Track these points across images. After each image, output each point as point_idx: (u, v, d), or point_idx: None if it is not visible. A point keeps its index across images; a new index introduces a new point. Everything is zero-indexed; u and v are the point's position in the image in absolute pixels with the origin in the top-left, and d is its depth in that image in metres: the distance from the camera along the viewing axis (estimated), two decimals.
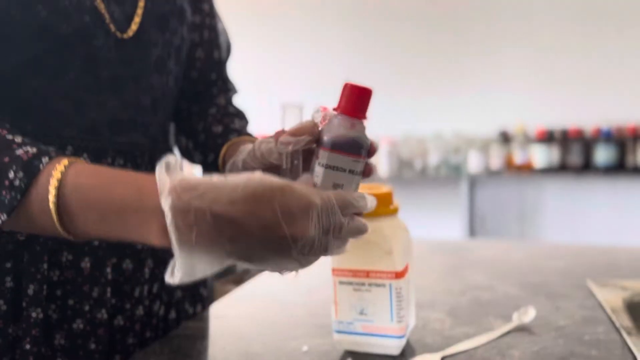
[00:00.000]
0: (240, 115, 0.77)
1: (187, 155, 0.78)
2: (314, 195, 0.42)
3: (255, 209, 0.39)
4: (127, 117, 0.64)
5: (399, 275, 0.59)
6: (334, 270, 0.61)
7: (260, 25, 3.21)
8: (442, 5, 2.99)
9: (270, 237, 0.40)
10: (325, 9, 3.19)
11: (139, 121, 0.66)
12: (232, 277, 3.21)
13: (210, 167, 0.72)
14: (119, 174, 0.45)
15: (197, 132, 0.75)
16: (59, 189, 0.44)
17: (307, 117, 0.50)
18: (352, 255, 0.60)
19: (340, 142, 0.46)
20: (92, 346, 0.62)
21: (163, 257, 0.70)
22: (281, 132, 0.49)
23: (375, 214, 0.60)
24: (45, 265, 0.59)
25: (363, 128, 0.47)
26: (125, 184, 0.43)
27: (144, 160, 0.68)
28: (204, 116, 0.76)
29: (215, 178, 0.41)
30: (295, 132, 0.48)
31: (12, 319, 0.58)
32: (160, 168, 0.41)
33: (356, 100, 0.47)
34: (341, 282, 0.61)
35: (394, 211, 0.61)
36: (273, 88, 3.14)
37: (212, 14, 0.78)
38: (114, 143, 0.64)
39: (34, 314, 0.58)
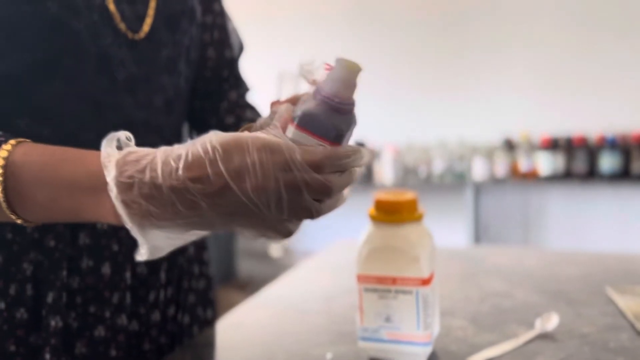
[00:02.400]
0: (252, 108, 0.76)
1: None
2: (267, 148, 0.38)
3: (198, 175, 0.37)
4: (141, 119, 0.64)
5: (426, 282, 0.59)
6: (359, 277, 0.61)
7: (261, 30, 3.22)
8: (446, 13, 3.01)
9: (220, 201, 0.38)
10: (328, 16, 3.20)
11: (153, 123, 0.66)
12: (236, 284, 3.21)
13: None
14: (70, 152, 0.43)
15: (210, 127, 0.74)
16: (6, 167, 0.42)
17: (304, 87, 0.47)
18: (378, 262, 0.60)
19: (308, 121, 0.41)
20: (113, 353, 0.61)
21: (175, 261, 0.70)
22: (277, 102, 0.47)
23: (401, 220, 0.60)
24: (64, 272, 0.58)
25: (347, 112, 0.41)
26: (75, 161, 0.42)
27: None
28: (216, 111, 0.76)
29: (163, 149, 0.40)
30: (292, 101, 0.46)
31: (33, 328, 0.57)
32: (106, 142, 0.40)
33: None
34: (367, 289, 0.61)
35: (419, 217, 0.61)
36: (273, 94, 3.14)
37: (222, 14, 0.77)
38: None
39: (53, 323, 0.57)
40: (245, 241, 3.36)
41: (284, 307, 0.83)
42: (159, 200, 0.38)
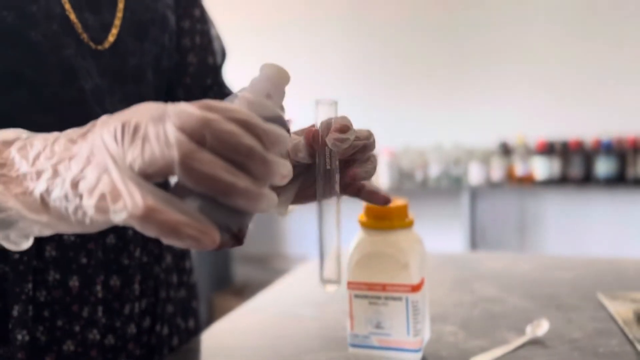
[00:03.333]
0: None
1: None
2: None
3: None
4: None
5: (416, 288, 0.59)
6: (349, 283, 0.62)
7: (258, 38, 3.22)
8: (443, 19, 3.02)
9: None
10: (324, 20, 3.21)
11: None
12: (231, 290, 3.20)
13: None
14: None
15: None
16: None
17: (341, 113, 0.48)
18: (368, 268, 0.60)
19: None
20: None
21: (151, 271, 0.69)
22: (312, 128, 0.47)
23: (391, 227, 0.60)
24: (30, 285, 0.57)
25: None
26: None
27: None
28: None
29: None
30: (342, 129, 0.46)
31: (0, 341, 0.57)
32: None
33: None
34: (357, 296, 0.61)
35: (410, 224, 0.62)
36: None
37: (203, 20, 0.76)
38: None
39: (19, 337, 0.56)
40: (241, 247, 3.36)
41: (277, 312, 0.84)
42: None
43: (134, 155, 0.32)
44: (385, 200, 0.54)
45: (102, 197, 0.33)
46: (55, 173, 0.35)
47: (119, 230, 0.64)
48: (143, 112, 0.33)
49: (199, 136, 0.31)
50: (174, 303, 0.73)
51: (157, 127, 0.32)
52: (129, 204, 0.31)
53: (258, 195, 0.33)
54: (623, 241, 2.76)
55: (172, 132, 0.31)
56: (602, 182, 2.63)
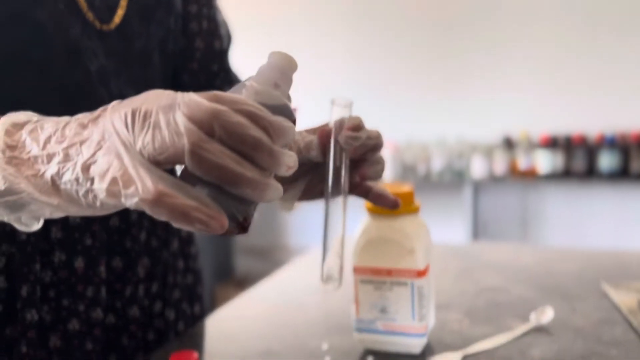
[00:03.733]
0: None
1: None
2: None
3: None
4: None
5: (421, 274, 0.59)
6: (355, 268, 0.62)
7: (261, 28, 3.22)
8: (446, 11, 3.01)
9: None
10: (327, 12, 3.20)
11: None
12: (233, 281, 3.21)
13: None
14: None
15: None
16: None
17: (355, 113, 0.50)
18: (374, 253, 0.60)
19: None
20: (89, 346, 0.61)
21: (159, 256, 0.69)
22: (326, 128, 0.48)
23: (397, 212, 0.60)
24: (37, 266, 0.58)
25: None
26: None
27: None
28: None
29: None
30: (355, 127, 0.47)
31: (8, 321, 0.57)
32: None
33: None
34: (362, 281, 0.61)
35: (416, 210, 0.62)
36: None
37: (210, 5, 0.75)
38: None
39: (28, 316, 0.57)
40: (243, 238, 3.37)
41: (281, 300, 0.84)
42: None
43: (145, 142, 0.33)
44: (394, 204, 0.56)
45: (114, 181, 0.33)
46: (67, 157, 0.36)
47: (122, 213, 0.65)
48: (152, 100, 0.34)
49: (208, 126, 0.32)
50: (181, 288, 0.74)
51: (167, 115, 0.33)
52: (140, 189, 0.32)
53: (264, 185, 0.33)
54: (626, 236, 2.75)
55: (182, 121, 0.32)
56: (605, 177, 2.62)
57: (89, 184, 0.35)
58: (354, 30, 3.16)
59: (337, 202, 0.50)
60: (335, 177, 0.49)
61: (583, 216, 2.86)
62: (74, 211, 0.37)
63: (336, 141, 0.49)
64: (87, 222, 0.61)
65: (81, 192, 0.35)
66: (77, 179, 0.35)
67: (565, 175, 2.70)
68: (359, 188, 0.55)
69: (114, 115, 0.35)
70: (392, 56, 3.10)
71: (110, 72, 0.61)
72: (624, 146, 2.62)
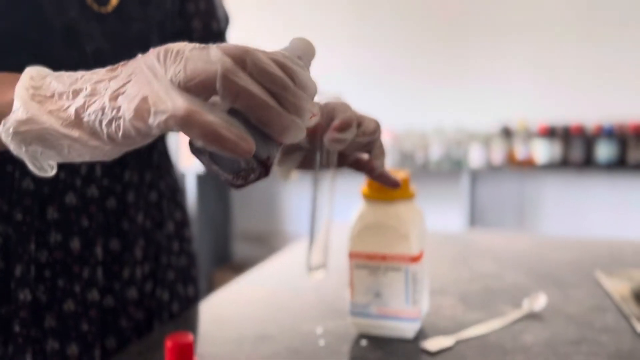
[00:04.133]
0: None
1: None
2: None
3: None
4: None
5: (415, 259, 0.60)
6: (351, 254, 0.62)
7: (261, 13, 3.20)
8: (446, 1, 2.99)
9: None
10: (328, 2, 3.18)
11: None
12: (231, 267, 3.22)
13: None
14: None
15: None
16: None
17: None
18: (369, 239, 0.61)
19: None
20: (85, 327, 0.61)
21: (153, 237, 0.70)
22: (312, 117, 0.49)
23: (392, 198, 0.61)
24: (32, 246, 0.58)
25: None
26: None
27: None
28: None
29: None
30: (341, 127, 0.47)
31: (2, 300, 0.58)
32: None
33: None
34: (357, 266, 0.62)
35: (411, 196, 0.62)
36: None
37: None
38: None
39: (21, 296, 0.57)
40: (241, 224, 3.38)
41: (276, 284, 0.85)
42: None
43: (176, 71, 0.34)
44: (395, 183, 0.57)
45: (144, 100, 0.33)
46: (94, 91, 0.36)
47: (119, 195, 0.65)
48: (184, 44, 0.35)
49: (240, 60, 0.33)
50: (175, 270, 0.74)
51: (200, 51, 0.34)
52: (170, 106, 0.32)
53: (290, 120, 0.34)
54: (621, 226, 2.76)
55: (215, 52, 0.33)
56: (602, 167, 2.63)
57: (114, 112, 0.35)
58: (354, 18, 3.14)
59: (325, 194, 0.50)
60: (323, 169, 0.49)
61: (580, 206, 2.87)
62: (92, 145, 0.37)
63: (322, 141, 0.49)
64: (84, 203, 0.61)
65: (105, 122, 0.35)
66: (102, 109, 0.35)
67: (562, 165, 2.70)
68: (363, 167, 0.56)
69: (146, 56, 0.36)
70: (392, 45, 3.09)
71: (108, 55, 0.61)
72: (622, 137, 2.62)
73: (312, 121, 0.36)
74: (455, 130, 2.92)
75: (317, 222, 0.51)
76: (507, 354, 0.57)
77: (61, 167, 0.60)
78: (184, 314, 0.73)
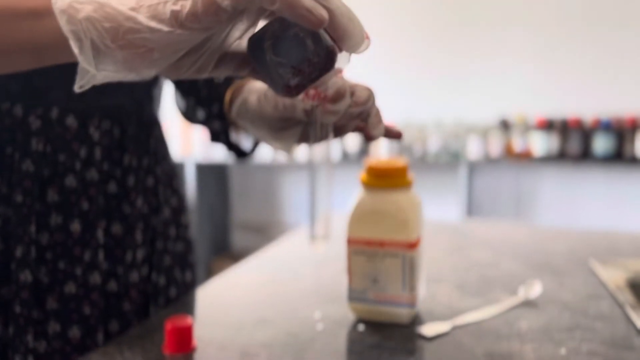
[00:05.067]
0: None
1: (190, 114, 0.75)
2: None
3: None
4: None
5: (413, 246, 0.60)
6: (349, 240, 0.63)
7: None
8: None
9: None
10: None
11: (124, 82, 0.65)
12: (230, 256, 3.24)
13: (216, 118, 0.69)
14: None
15: (197, 89, 0.72)
16: None
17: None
18: (367, 225, 0.62)
19: None
20: (87, 311, 0.62)
21: (149, 222, 0.70)
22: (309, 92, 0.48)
23: (390, 186, 0.61)
24: (33, 228, 0.59)
25: None
26: None
27: (131, 123, 0.68)
28: None
29: None
30: (335, 98, 0.47)
31: (2, 281, 0.58)
32: None
33: None
34: (355, 252, 0.63)
35: (409, 184, 0.63)
36: None
37: None
38: (99, 105, 0.64)
39: (22, 277, 0.58)
40: (240, 214, 3.39)
41: (274, 271, 0.85)
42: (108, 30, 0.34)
43: None
44: (398, 134, 0.56)
45: None
46: None
47: (119, 179, 0.65)
48: None
49: None
50: (172, 255, 0.75)
51: None
52: None
53: (360, 29, 0.36)
54: (617, 218, 2.78)
55: None
56: (599, 160, 2.63)
57: None
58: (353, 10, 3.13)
59: (324, 168, 0.50)
60: (320, 141, 0.49)
61: (576, 199, 2.88)
62: (150, 31, 0.34)
63: (316, 113, 0.49)
64: (84, 186, 0.62)
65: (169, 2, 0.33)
66: None
67: (560, 157, 2.71)
68: (362, 130, 0.55)
69: None
70: (390, 37, 3.09)
71: None
72: (619, 130, 2.62)
73: (366, 44, 0.37)
74: (454, 122, 2.92)
75: (318, 195, 0.51)
76: (502, 339, 0.58)
77: (61, 149, 0.61)
78: (182, 299, 0.73)
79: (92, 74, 0.36)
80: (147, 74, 0.37)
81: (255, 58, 0.37)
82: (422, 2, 3.03)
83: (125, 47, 0.34)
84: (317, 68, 0.36)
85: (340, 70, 0.39)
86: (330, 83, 0.48)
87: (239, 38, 0.38)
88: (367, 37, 0.37)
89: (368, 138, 0.54)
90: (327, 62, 0.36)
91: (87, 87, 0.37)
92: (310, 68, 0.36)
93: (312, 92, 0.48)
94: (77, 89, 0.37)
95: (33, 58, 0.38)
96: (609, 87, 2.75)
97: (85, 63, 0.35)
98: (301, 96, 0.49)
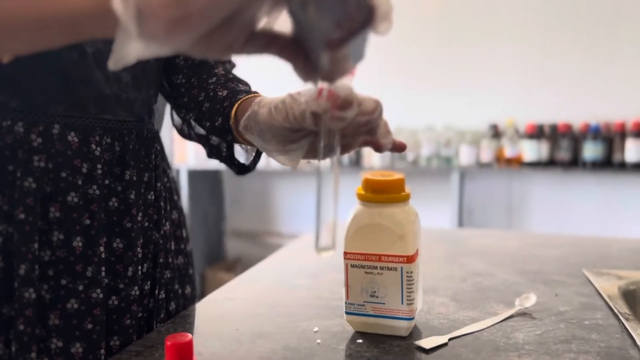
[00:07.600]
0: (242, 81, 0.73)
1: (186, 130, 0.75)
2: None
3: None
4: (112, 93, 0.64)
5: (410, 259, 0.61)
6: (346, 253, 0.63)
7: None
8: (436, 2, 3.01)
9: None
10: None
11: (123, 97, 0.66)
12: (224, 265, 3.22)
13: (218, 131, 0.68)
14: None
15: (199, 103, 0.71)
16: None
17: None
18: (364, 239, 0.62)
19: None
20: (89, 326, 0.62)
21: (150, 237, 0.70)
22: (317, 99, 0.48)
23: (388, 200, 0.62)
24: (35, 245, 0.59)
25: None
26: None
27: (131, 138, 0.68)
28: (204, 87, 0.71)
29: None
30: (344, 105, 0.47)
31: (5, 299, 0.58)
32: None
33: None
34: (353, 266, 0.63)
35: (406, 197, 0.63)
36: (265, 78, 3.13)
37: None
38: (100, 120, 0.64)
39: (26, 294, 0.58)
40: (233, 223, 3.38)
41: (272, 283, 0.85)
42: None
43: None
44: (402, 146, 0.57)
45: None
46: None
47: (120, 195, 0.65)
48: None
49: None
50: (172, 269, 0.75)
51: None
52: None
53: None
54: (607, 224, 2.80)
55: None
56: (589, 166, 2.66)
57: None
58: None
59: (329, 174, 0.51)
60: (327, 147, 0.50)
61: (567, 204, 2.90)
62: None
63: (324, 119, 0.49)
64: (86, 203, 0.62)
65: None
66: None
67: (550, 163, 2.74)
68: (370, 144, 0.56)
69: None
70: (382, 45, 3.10)
71: (107, 55, 0.61)
72: (608, 136, 2.65)
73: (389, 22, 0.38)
74: (446, 129, 2.94)
75: (323, 203, 0.51)
76: (500, 352, 0.59)
77: (62, 166, 0.61)
78: (181, 313, 0.73)
79: (125, 51, 0.35)
80: (182, 45, 0.35)
81: (295, 14, 0.37)
82: (414, 12, 3.05)
83: (167, 7, 0.33)
84: (358, 21, 0.36)
85: (352, 72, 0.39)
86: (340, 90, 0.49)
87: (268, 13, 0.38)
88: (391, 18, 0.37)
89: (377, 148, 0.55)
90: (368, 15, 0.36)
91: (120, 64, 0.36)
92: (351, 22, 0.36)
93: (327, 92, 0.48)
94: (111, 65, 0.36)
95: (67, 31, 0.37)
96: (598, 93, 2.78)
97: (129, 22, 0.34)
98: (316, 95, 0.49)
